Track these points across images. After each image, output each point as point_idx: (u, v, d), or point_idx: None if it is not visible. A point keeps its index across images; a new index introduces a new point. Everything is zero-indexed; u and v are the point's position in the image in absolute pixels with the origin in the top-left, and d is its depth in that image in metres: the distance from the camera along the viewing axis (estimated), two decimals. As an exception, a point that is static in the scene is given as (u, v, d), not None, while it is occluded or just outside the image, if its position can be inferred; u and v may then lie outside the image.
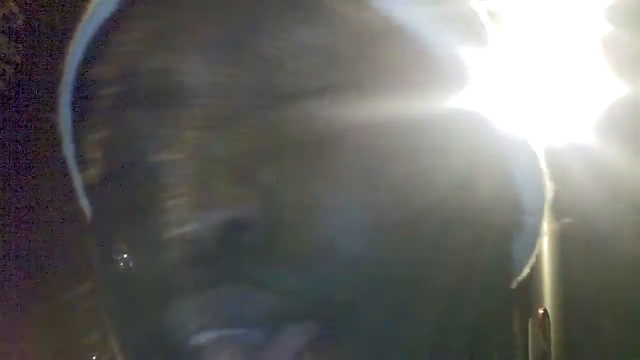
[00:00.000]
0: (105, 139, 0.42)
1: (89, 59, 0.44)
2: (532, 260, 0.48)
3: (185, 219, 0.38)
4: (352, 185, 0.40)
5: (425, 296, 0.41)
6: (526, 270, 0.48)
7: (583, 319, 1.66)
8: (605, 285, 1.64)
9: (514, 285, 0.49)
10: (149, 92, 0.40)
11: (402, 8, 0.42)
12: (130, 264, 0.39)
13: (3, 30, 1.44)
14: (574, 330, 1.65)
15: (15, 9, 1.45)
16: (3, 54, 1.42)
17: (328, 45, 0.40)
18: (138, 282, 0.40)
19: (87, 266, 0.43)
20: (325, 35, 0.40)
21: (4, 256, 1.49)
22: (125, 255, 0.39)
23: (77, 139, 0.45)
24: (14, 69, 1.44)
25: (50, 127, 0.48)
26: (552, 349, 1.60)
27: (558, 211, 1.62)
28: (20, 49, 1.44)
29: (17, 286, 1.50)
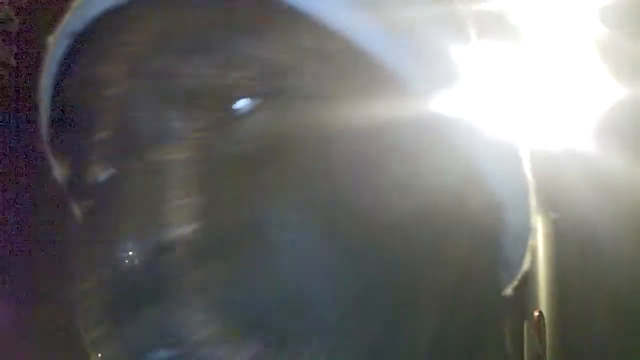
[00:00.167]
0: (105, 139, 0.42)
1: (74, 56, 0.44)
2: (526, 257, 0.48)
3: (117, 241, 0.38)
4: (296, 199, 0.40)
5: (404, 307, 0.41)
6: (521, 269, 0.48)
7: (578, 322, 1.66)
8: (601, 288, 1.64)
9: (507, 284, 0.49)
10: (154, 93, 0.41)
11: (355, 25, 0.42)
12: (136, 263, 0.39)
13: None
14: (570, 333, 1.65)
15: (11, 12, 1.45)
16: (-2, 56, 1.42)
17: (271, 56, 0.40)
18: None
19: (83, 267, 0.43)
20: (269, 47, 0.40)
21: (4, 256, 1.49)
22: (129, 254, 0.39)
23: (77, 139, 0.45)
24: (10, 71, 1.43)
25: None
26: (548, 351, 1.60)
27: (554, 212, 1.62)
28: (16, 51, 1.44)
29: (17, 286, 1.49)
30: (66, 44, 0.44)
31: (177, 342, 0.38)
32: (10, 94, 1.44)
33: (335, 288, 0.39)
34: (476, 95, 0.44)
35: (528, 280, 1.59)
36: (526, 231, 0.47)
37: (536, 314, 1.63)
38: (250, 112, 0.40)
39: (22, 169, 1.43)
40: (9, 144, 1.44)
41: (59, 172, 0.47)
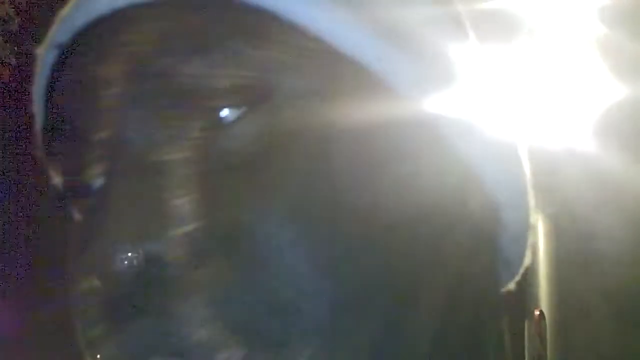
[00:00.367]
0: (105, 139, 0.42)
1: (63, 65, 0.45)
2: (525, 256, 0.48)
3: (104, 254, 0.38)
4: (293, 200, 0.40)
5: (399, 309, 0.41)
6: (521, 267, 0.48)
7: (579, 321, 1.66)
8: (602, 287, 1.64)
9: (507, 283, 0.49)
10: (154, 94, 0.41)
11: (337, 31, 0.41)
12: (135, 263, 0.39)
13: (-1, 33, 1.44)
14: (571, 332, 1.65)
15: (12, 11, 1.45)
16: (-1, 56, 1.42)
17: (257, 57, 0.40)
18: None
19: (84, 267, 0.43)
20: (260, 48, 0.40)
21: (4, 257, 1.49)
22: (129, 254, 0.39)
23: (70, 145, 0.45)
24: (10, 70, 1.44)
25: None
26: (548, 350, 1.61)
27: (554, 212, 1.62)
28: (16, 51, 1.45)
29: (16, 287, 1.50)
30: (55, 53, 0.45)
31: (174, 346, 0.38)
32: (11, 94, 1.44)
33: (334, 288, 0.39)
34: (474, 94, 0.44)
35: (528, 279, 1.59)
36: (525, 230, 0.47)
37: (537, 313, 1.63)
38: (247, 112, 0.40)
39: (22, 170, 1.44)
40: (9, 144, 1.44)
41: (55, 177, 0.48)
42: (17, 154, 1.42)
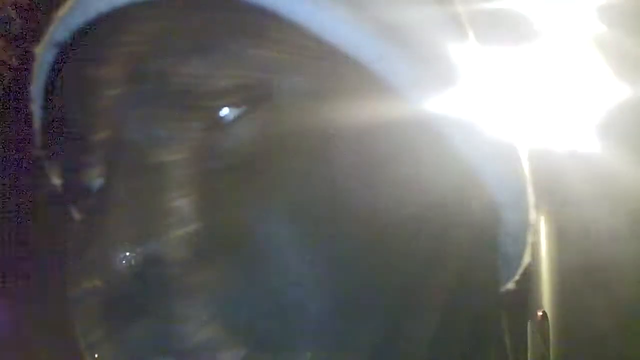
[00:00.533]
0: (105, 140, 0.42)
1: (61, 65, 0.44)
2: (525, 255, 0.48)
3: (104, 255, 0.38)
4: (293, 201, 0.40)
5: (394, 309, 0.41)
6: (521, 266, 0.48)
7: (582, 322, 1.66)
8: (605, 288, 1.64)
9: (507, 282, 0.49)
10: (154, 94, 0.40)
11: (338, 30, 0.42)
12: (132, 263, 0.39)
13: (0, 34, 1.44)
14: (574, 333, 1.65)
15: (13, 13, 1.45)
16: (0, 57, 1.42)
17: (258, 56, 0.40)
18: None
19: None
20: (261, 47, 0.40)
21: (5, 257, 1.49)
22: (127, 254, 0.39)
23: (68, 146, 0.45)
24: (11, 72, 1.44)
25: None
26: (552, 351, 1.60)
27: (557, 213, 1.62)
28: (18, 52, 1.44)
29: (17, 287, 1.50)
30: (53, 53, 0.45)
31: (174, 347, 0.38)
32: (13, 95, 1.44)
33: (335, 289, 0.39)
34: (474, 94, 0.44)
35: (530, 279, 1.59)
36: (525, 229, 0.47)
37: (540, 313, 1.63)
38: (247, 112, 0.40)
39: (23, 171, 1.44)
40: (10, 145, 1.44)
41: (54, 177, 0.48)
42: (17, 154, 1.42)
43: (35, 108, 0.47)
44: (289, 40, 0.41)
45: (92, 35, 0.43)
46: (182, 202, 0.39)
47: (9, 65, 1.48)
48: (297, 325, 0.39)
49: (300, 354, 0.39)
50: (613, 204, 1.53)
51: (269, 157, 0.40)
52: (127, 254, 0.38)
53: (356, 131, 0.41)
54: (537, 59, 1.30)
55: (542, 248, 1.67)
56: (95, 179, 0.43)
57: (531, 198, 0.47)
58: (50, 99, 0.46)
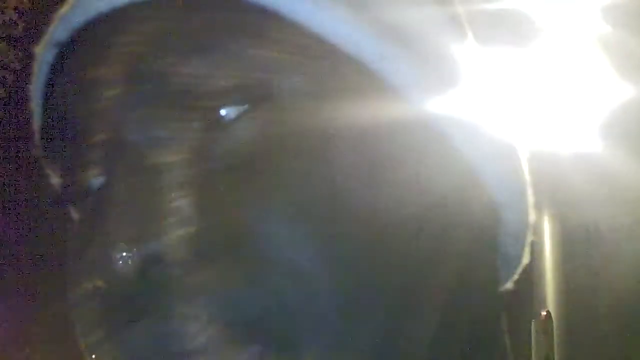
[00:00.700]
0: (105, 140, 0.42)
1: (61, 65, 0.45)
2: (525, 255, 0.48)
3: (104, 255, 0.38)
4: (294, 201, 0.39)
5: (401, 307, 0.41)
6: (520, 265, 0.48)
7: (586, 321, 1.66)
8: (608, 288, 1.64)
9: (507, 282, 0.49)
10: (154, 94, 0.40)
11: (339, 30, 0.41)
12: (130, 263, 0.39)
13: (3, 37, 1.45)
14: (577, 332, 1.64)
15: (15, 16, 1.46)
16: (3, 60, 1.42)
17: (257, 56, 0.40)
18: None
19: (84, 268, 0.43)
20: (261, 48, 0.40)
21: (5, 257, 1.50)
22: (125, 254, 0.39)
23: (68, 146, 0.45)
24: (14, 75, 1.44)
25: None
26: (556, 352, 1.60)
27: (560, 213, 1.61)
28: (20, 55, 1.45)
29: (16, 287, 1.50)
30: (53, 53, 0.45)
31: (176, 347, 0.38)
32: (15, 98, 1.44)
33: (336, 288, 0.39)
34: (475, 94, 0.44)
35: (533, 279, 1.59)
36: (524, 229, 0.47)
37: (544, 313, 1.63)
38: (247, 112, 0.40)
39: (23, 172, 1.44)
40: (11, 147, 1.45)
41: (53, 178, 0.48)
42: (17, 154, 1.43)
43: (35, 107, 0.47)
44: (289, 40, 0.41)
45: (92, 35, 0.43)
46: (182, 203, 0.39)
47: (11, 67, 1.49)
48: (297, 325, 0.39)
49: (300, 353, 0.39)
50: (616, 204, 1.53)
51: (269, 157, 0.40)
52: (127, 254, 0.38)
53: (357, 131, 0.41)
54: (539, 59, 1.30)
55: (546, 248, 1.67)
56: (95, 179, 0.42)
57: (531, 198, 0.47)
58: (50, 99, 0.46)
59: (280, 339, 0.39)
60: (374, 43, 0.41)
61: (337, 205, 0.40)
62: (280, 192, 0.39)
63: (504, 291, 0.48)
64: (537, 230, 0.49)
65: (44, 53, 0.45)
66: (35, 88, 0.46)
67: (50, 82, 0.45)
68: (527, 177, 0.46)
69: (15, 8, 1.48)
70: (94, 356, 0.40)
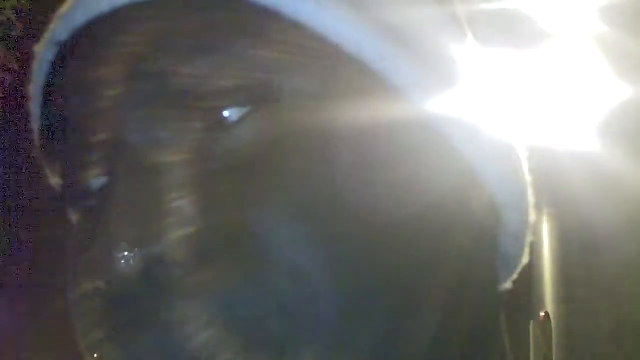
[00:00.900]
0: (105, 140, 0.42)
1: (61, 65, 0.44)
2: (524, 254, 0.48)
3: (104, 255, 0.38)
4: (294, 202, 0.39)
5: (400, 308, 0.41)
6: (519, 266, 0.48)
7: (584, 321, 1.66)
8: (607, 288, 1.64)
9: (506, 281, 0.49)
10: (154, 94, 0.40)
11: (340, 29, 0.41)
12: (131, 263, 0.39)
13: (1, 38, 1.45)
14: (575, 333, 1.65)
15: (13, 17, 1.45)
16: (1, 61, 1.42)
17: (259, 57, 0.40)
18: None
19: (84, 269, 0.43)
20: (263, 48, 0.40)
21: (6, 258, 1.50)
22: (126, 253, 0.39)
23: (67, 146, 0.45)
24: (12, 76, 1.44)
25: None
26: (554, 352, 1.60)
27: (559, 213, 1.62)
28: (18, 56, 1.45)
29: (18, 288, 1.50)
30: (53, 52, 0.45)
31: (177, 348, 0.38)
32: (13, 99, 1.44)
33: (337, 289, 0.39)
34: (475, 94, 0.44)
35: (532, 279, 1.59)
36: (524, 229, 0.47)
37: (542, 314, 1.62)
38: (249, 113, 0.40)
39: (23, 173, 1.44)
40: (10, 147, 1.45)
41: (53, 178, 0.47)
42: (17, 154, 1.42)
43: (34, 107, 0.47)
44: (290, 40, 0.41)
45: (92, 34, 0.43)
46: (183, 203, 0.39)
47: (10, 68, 1.48)
48: (297, 326, 0.39)
49: (301, 353, 0.39)
50: (614, 204, 1.53)
51: (270, 158, 0.40)
52: (129, 254, 0.38)
53: (357, 131, 0.41)
54: (538, 58, 1.30)
55: (545, 248, 1.67)
56: (95, 179, 0.42)
57: (531, 198, 0.47)
58: (49, 99, 0.46)
59: (279, 339, 0.38)
60: (375, 43, 0.41)
61: (337, 206, 0.40)
62: (281, 192, 0.39)
63: (503, 291, 0.48)
64: (536, 230, 0.49)
65: (44, 52, 0.45)
66: (35, 88, 0.46)
67: (50, 82, 0.45)
68: (527, 177, 0.46)
69: (13, 8, 1.48)
70: (94, 356, 0.40)
